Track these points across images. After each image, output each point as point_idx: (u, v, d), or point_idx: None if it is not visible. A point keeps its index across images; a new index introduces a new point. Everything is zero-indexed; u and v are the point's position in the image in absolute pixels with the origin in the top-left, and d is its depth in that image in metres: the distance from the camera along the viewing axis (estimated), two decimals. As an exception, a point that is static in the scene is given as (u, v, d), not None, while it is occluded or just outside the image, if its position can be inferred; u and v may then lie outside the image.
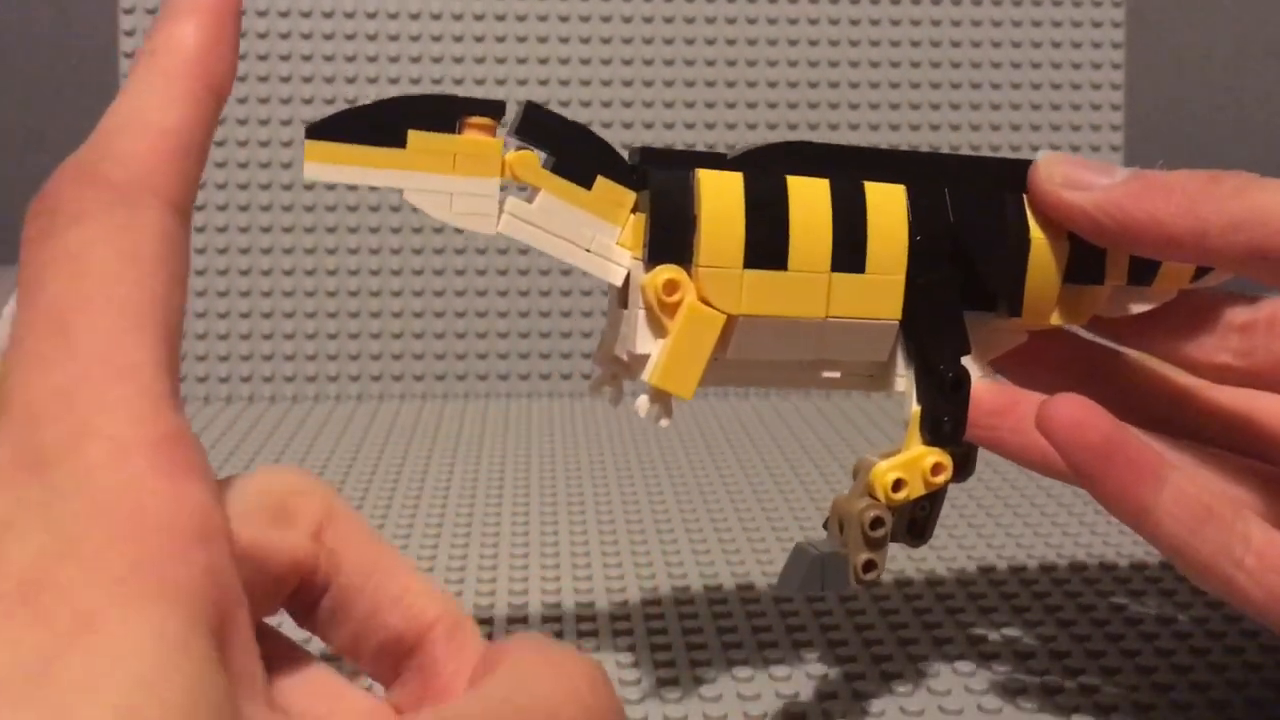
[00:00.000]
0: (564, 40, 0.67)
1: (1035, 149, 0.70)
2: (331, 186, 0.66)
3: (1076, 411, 0.25)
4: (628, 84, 0.67)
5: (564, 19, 0.67)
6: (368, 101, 0.26)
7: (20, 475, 0.15)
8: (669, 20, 0.68)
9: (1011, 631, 0.35)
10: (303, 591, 0.20)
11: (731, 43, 0.68)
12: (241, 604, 0.16)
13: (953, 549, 0.42)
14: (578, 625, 0.36)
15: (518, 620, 0.36)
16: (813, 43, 0.69)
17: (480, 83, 0.67)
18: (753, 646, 0.34)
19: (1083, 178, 0.28)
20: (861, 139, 0.69)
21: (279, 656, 0.20)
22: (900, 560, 0.40)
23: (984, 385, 0.28)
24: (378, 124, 0.26)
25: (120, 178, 0.18)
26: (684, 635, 0.35)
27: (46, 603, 0.14)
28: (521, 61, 0.67)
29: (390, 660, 0.20)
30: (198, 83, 0.19)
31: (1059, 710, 0.31)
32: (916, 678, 0.32)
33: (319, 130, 0.26)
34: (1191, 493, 0.25)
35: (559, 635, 0.35)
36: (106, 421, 0.16)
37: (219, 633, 0.15)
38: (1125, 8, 0.71)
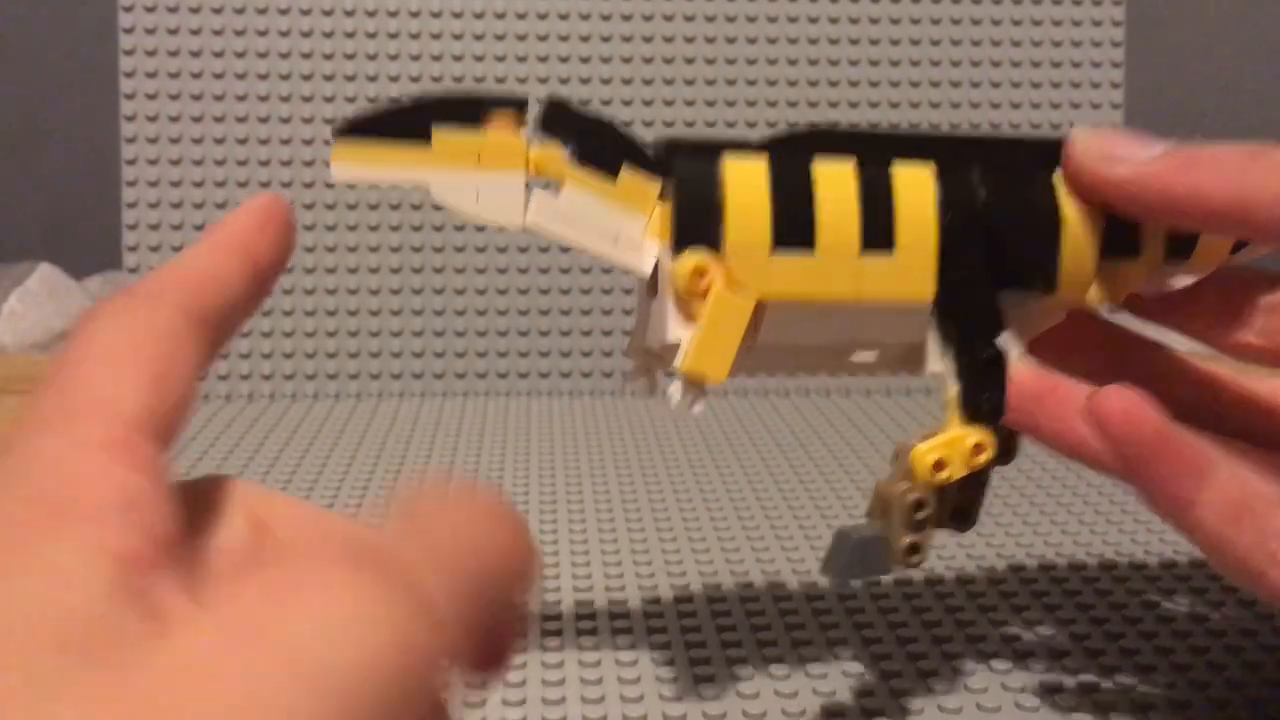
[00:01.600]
0: (563, 39, 0.67)
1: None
2: (330, 185, 0.66)
3: (1128, 403, 0.25)
4: (627, 82, 0.67)
5: (563, 16, 0.67)
6: (392, 101, 0.27)
7: None
8: (668, 19, 0.68)
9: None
10: None
11: (731, 41, 0.68)
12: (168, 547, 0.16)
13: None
14: (577, 625, 0.35)
15: (517, 619, 0.36)
16: (812, 42, 0.69)
17: (479, 80, 0.67)
18: (752, 645, 0.34)
19: (1121, 151, 0.27)
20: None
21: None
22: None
23: (1024, 368, 0.28)
24: (403, 122, 0.26)
25: (143, 289, 0.20)
26: (683, 635, 0.35)
27: None
28: (521, 60, 0.67)
29: None
30: (237, 244, 0.22)
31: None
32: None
33: (346, 130, 0.26)
34: (1231, 488, 0.25)
35: (558, 635, 0.35)
36: (67, 425, 0.17)
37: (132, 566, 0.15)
38: (1125, 8, 0.71)
